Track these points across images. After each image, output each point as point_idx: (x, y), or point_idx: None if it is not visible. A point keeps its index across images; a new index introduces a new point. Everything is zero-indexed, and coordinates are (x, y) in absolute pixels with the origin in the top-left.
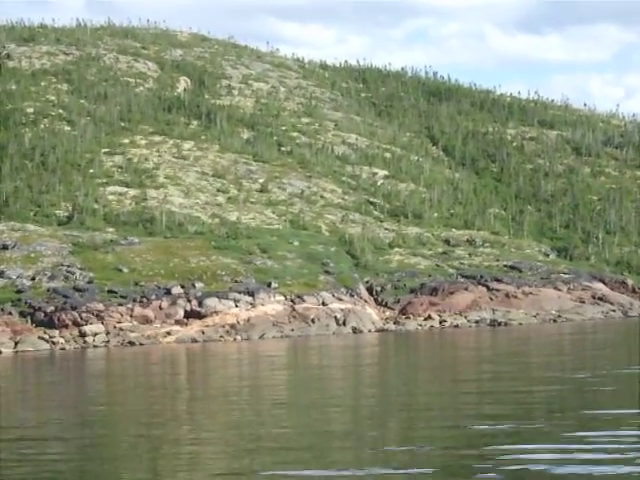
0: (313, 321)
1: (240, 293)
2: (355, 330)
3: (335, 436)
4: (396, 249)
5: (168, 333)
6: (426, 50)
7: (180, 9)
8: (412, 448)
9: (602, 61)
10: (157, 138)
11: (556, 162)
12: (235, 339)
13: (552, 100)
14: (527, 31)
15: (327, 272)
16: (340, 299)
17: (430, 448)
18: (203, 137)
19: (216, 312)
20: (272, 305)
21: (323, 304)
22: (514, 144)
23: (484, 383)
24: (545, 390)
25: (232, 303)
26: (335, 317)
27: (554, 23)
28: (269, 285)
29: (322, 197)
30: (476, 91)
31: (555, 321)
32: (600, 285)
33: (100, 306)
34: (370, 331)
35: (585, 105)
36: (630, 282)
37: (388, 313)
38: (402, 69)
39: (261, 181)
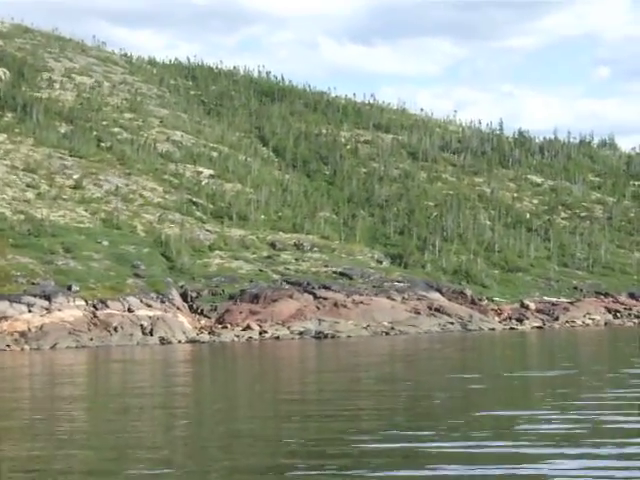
0: (116, 329)
1: (35, 297)
2: (163, 341)
3: None
4: (217, 252)
5: None
6: (258, 58)
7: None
8: None
9: (432, 74)
10: None
11: (391, 166)
12: (22, 349)
13: (388, 104)
14: (358, 42)
15: (137, 275)
16: (149, 305)
17: None
18: (17, 130)
19: (5, 317)
20: (70, 311)
21: (129, 310)
22: (348, 147)
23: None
24: None
25: (25, 308)
26: (141, 325)
27: (385, 35)
28: (69, 288)
29: (141, 195)
30: (310, 92)
31: (388, 334)
32: (437, 295)
33: None
34: (180, 342)
35: (422, 110)
36: (469, 292)
37: (204, 322)
38: (234, 68)
39: (76, 177)
